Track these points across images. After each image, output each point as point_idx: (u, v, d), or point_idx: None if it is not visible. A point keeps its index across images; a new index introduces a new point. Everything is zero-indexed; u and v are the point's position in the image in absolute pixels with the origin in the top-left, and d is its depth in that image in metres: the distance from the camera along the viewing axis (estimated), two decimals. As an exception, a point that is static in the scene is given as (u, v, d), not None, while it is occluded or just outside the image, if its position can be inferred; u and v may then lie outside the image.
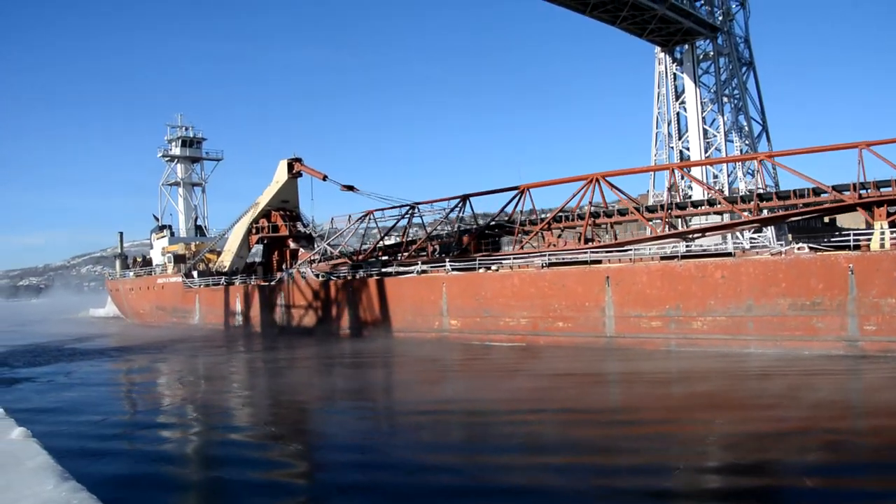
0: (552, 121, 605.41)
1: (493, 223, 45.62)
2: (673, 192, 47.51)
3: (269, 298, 48.74)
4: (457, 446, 15.64)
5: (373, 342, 38.92)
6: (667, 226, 37.89)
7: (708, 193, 41.41)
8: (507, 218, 45.51)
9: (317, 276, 44.79)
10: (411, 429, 17.51)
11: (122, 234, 77.36)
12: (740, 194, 41.72)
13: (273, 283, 48.35)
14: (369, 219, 51.96)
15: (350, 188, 54.91)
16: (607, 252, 35.00)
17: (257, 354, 38.95)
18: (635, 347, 30.60)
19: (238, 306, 51.55)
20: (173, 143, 71.64)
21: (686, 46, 57.33)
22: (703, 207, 38.04)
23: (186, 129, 71.90)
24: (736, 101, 56.74)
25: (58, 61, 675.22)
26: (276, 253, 59.51)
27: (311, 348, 38.99)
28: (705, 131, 56.23)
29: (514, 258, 35.77)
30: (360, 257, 50.17)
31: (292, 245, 58.88)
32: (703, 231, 36.88)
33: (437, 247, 47.87)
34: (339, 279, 43.79)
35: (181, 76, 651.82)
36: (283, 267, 55.57)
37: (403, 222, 50.13)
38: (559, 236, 43.24)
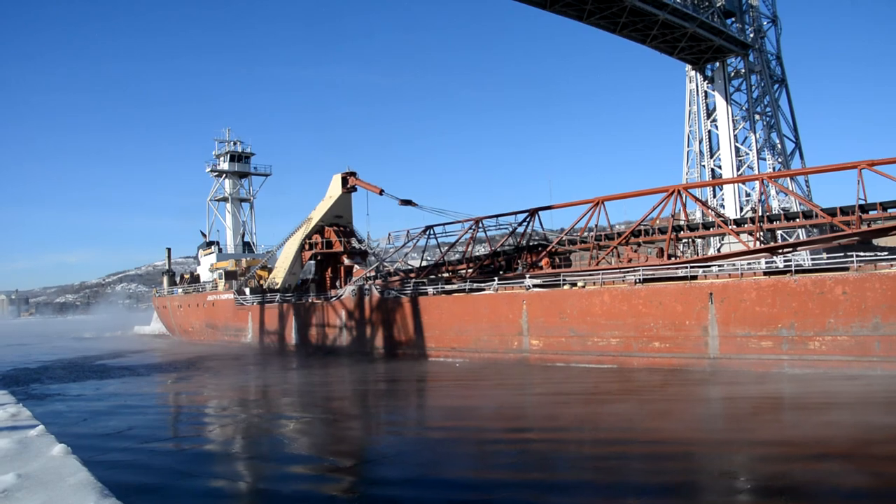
0: (581, 137, 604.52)
1: (565, 238, 43.50)
2: (753, 205, 45.18)
3: (327, 316, 46.96)
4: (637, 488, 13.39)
5: (447, 363, 36.98)
6: (758, 240, 35.55)
7: (802, 205, 38.89)
8: (579, 232, 43.48)
9: (382, 293, 42.92)
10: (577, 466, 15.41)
11: (169, 250, 76.55)
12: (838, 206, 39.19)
13: (334, 299, 46.53)
14: (430, 234, 50.28)
15: (408, 203, 53.25)
16: (701, 266, 32.66)
17: (317, 374, 37.19)
18: (743, 369, 28.22)
19: (293, 324, 49.87)
20: (221, 158, 70.77)
21: (717, 64, 56.46)
22: (798, 220, 35.61)
23: (234, 143, 71.07)
24: (768, 119, 55.56)
25: (103, 83, 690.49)
26: (329, 269, 57.98)
27: (383, 367, 37.24)
28: (737, 149, 55.07)
29: (603, 274, 33.55)
30: (422, 274, 48.41)
31: (347, 261, 57.32)
32: (804, 245, 34.40)
33: (503, 263, 45.92)
34: (407, 296, 41.85)
35: (227, 98, 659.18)
36: (337, 284, 53.94)
37: (466, 237, 48.39)
38: (636, 251, 41.07)
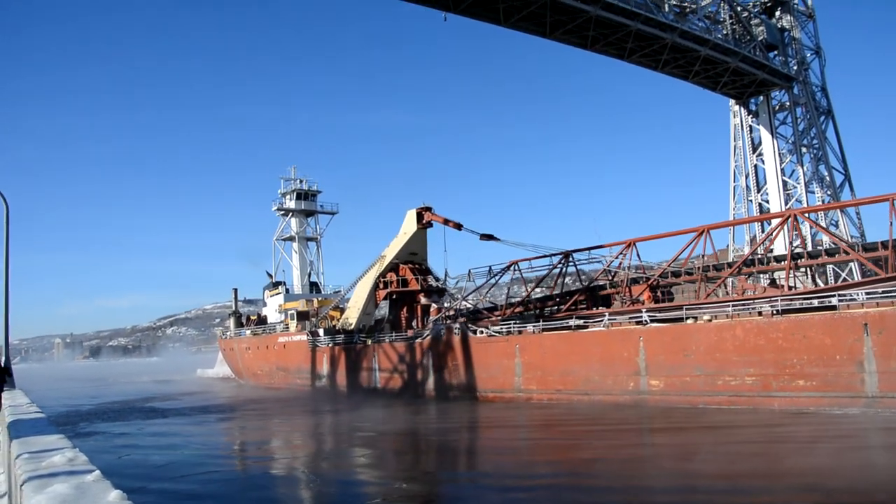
0: (624, 173, 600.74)
1: (668, 270, 40.81)
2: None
3: (412, 357, 44.68)
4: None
5: (558, 406, 34.37)
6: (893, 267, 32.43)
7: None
8: (682, 264, 40.83)
9: (474, 331, 40.58)
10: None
11: (236, 290, 75.34)
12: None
13: (418, 340, 44.29)
14: (514, 269, 48.03)
15: (490, 237, 51.09)
16: (836, 294, 29.58)
17: (431, 417, 34.92)
18: (908, 410, 25.07)
19: (375, 365, 47.68)
20: (287, 197, 69.85)
21: (761, 98, 56.10)
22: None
23: (301, 181, 70.03)
24: (815, 151, 54.83)
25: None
26: (405, 309, 55.84)
27: (490, 412, 34.79)
28: (785, 183, 54.16)
29: (733, 306, 30.72)
30: (508, 312, 46.03)
31: (423, 300, 55.19)
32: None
33: (598, 298, 43.35)
34: (501, 335, 39.43)
35: (284, 144, 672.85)
36: (414, 323, 51.60)
37: (556, 272, 46.12)
38: (750, 280, 38.27)
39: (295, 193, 69.20)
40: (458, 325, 41.59)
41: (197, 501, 17.56)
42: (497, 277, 49.08)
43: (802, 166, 54.20)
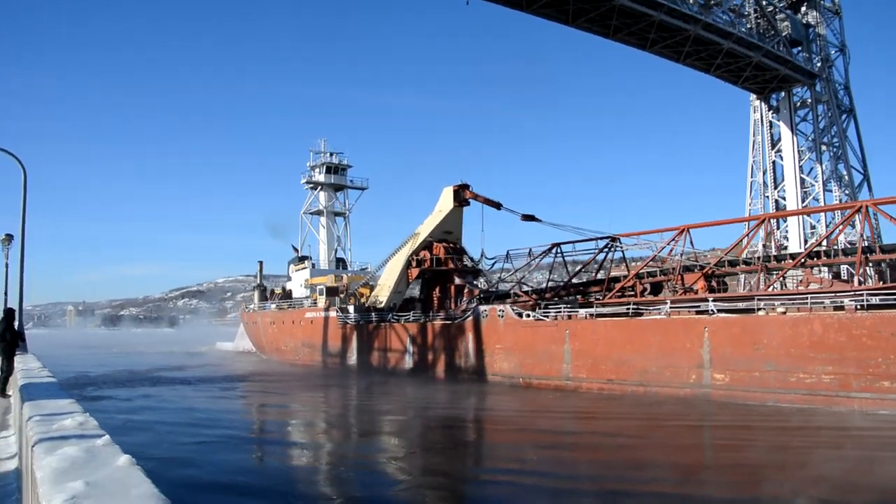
0: (642, 169, 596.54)
1: (724, 259, 38.87)
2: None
3: (450, 338, 43.04)
4: None
5: (609, 397, 32.71)
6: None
7: None
8: (738, 253, 38.96)
9: (519, 315, 38.88)
10: None
11: (261, 263, 73.87)
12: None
13: (459, 321, 42.63)
14: (556, 252, 46.21)
15: (531, 218, 49.43)
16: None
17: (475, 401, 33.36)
18: None
19: (409, 346, 46.09)
20: (317, 170, 68.07)
21: (782, 94, 55.65)
22: None
23: (331, 154, 68.21)
24: (835, 150, 54.52)
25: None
26: (437, 289, 54.17)
27: (542, 399, 33.18)
28: (802, 180, 53.95)
29: (811, 298, 28.84)
30: (549, 296, 44.32)
31: (457, 280, 53.52)
32: None
33: (647, 286, 41.49)
34: (549, 319, 37.72)
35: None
36: (446, 304, 49.81)
37: (601, 257, 44.31)
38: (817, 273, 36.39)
39: (324, 167, 67.41)
40: (501, 308, 39.87)
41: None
42: (538, 259, 47.34)
43: (821, 164, 53.73)
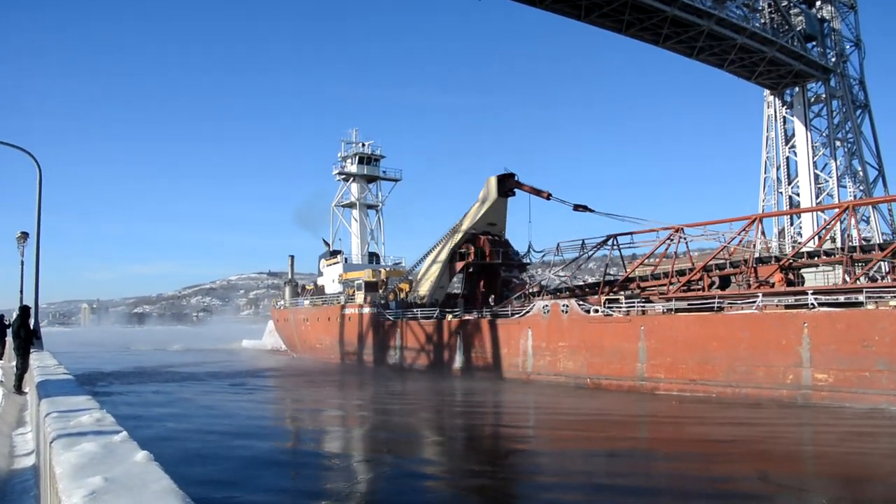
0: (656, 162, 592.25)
1: (804, 251, 36.31)
2: None
3: (506, 336, 40.65)
4: None
5: (697, 399, 30.29)
6: None
7: None
8: (817, 244, 36.45)
9: (587, 310, 36.47)
10: None
11: (292, 257, 71.60)
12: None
13: (517, 318, 40.23)
14: (612, 244, 43.76)
15: (583, 208, 47.07)
16: None
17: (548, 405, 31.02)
18: None
19: (458, 344, 43.73)
20: (349, 161, 65.64)
21: (796, 89, 54.93)
22: None
23: (363, 144, 65.78)
24: (850, 145, 53.92)
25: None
26: (481, 283, 51.85)
27: (628, 403, 30.82)
28: (816, 176, 53.54)
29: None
30: (607, 290, 41.90)
31: (503, 274, 51.21)
32: None
33: (716, 279, 38.94)
34: (619, 315, 35.31)
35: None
36: (490, 299, 47.29)
37: (662, 249, 41.74)
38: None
39: (357, 157, 64.99)
40: (565, 302, 37.45)
41: None
42: (592, 252, 44.90)
43: (836, 160, 52.95)
